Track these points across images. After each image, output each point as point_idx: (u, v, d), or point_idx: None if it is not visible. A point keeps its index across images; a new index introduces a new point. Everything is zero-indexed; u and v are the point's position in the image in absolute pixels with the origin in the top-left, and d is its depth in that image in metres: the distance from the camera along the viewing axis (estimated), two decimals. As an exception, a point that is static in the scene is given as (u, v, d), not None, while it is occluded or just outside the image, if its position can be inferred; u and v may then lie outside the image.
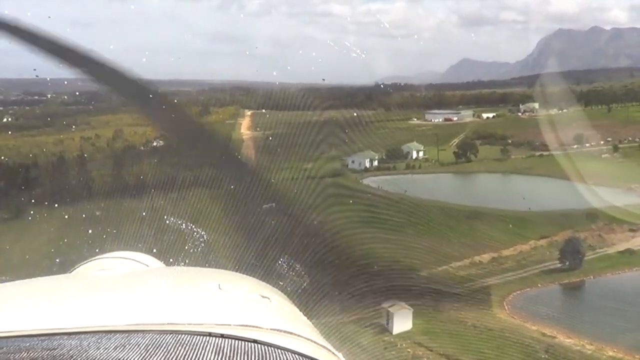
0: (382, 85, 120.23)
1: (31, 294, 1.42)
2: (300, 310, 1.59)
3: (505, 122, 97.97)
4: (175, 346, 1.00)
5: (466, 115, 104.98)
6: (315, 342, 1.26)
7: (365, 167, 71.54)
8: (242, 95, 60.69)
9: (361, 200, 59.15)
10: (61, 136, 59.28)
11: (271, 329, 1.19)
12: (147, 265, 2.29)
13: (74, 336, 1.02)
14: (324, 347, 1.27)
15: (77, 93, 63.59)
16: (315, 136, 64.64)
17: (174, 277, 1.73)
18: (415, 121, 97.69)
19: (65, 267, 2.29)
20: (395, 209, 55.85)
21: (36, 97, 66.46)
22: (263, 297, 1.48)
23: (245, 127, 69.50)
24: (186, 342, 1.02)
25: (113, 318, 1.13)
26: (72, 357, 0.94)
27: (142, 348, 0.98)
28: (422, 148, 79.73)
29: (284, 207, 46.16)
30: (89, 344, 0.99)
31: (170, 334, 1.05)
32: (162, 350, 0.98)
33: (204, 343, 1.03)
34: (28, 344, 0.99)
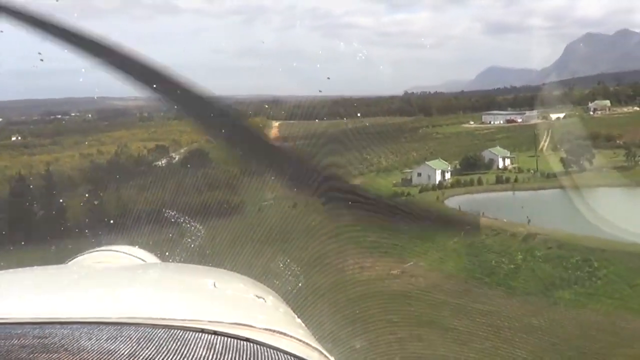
0: (412, 93, 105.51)
1: (26, 282, 1.41)
2: (295, 313, 1.57)
3: (584, 121, 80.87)
4: (167, 340, 1.00)
5: (532, 116, 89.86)
6: (307, 344, 1.25)
7: (438, 182, 48.63)
8: (268, 108, 54.20)
9: (454, 236, 35.85)
10: (59, 154, 56.54)
11: (264, 329, 1.18)
12: (144, 261, 2.27)
13: (65, 325, 1.02)
14: (316, 349, 1.27)
15: (100, 111, 66.20)
16: (355, 146, 45.63)
17: (169, 273, 1.72)
18: (472, 124, 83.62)
19: (61, 258, 2.22)
20: (525, 253, 32.36)
21: (59, 116, 65.96)
22: (258, 297, 1.46)
23: (272, 137, 54.09)
24: (178, 336, 1.02)
25: (106, 310, 1.13)
26: (63, 345, 0.94)
27: (133, 340, 0.98)
28: (509, 154, 57.99)
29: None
30: (81, 334, 0.99)
31: (163, 328, 1.06)
32: (154, 344, 0.97)
33: (196, 339, 1.03)
34: (19, 331, 0.99)
